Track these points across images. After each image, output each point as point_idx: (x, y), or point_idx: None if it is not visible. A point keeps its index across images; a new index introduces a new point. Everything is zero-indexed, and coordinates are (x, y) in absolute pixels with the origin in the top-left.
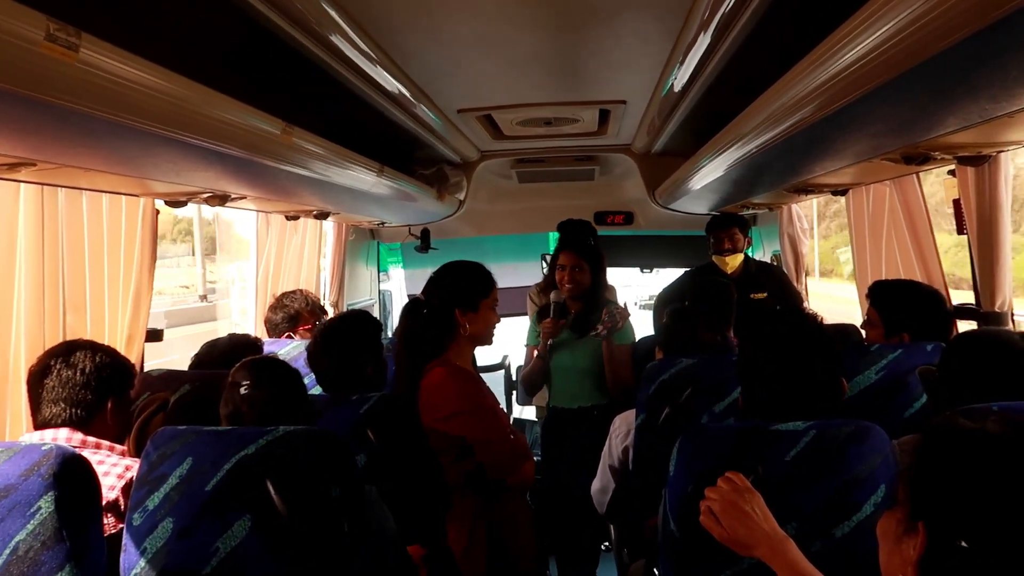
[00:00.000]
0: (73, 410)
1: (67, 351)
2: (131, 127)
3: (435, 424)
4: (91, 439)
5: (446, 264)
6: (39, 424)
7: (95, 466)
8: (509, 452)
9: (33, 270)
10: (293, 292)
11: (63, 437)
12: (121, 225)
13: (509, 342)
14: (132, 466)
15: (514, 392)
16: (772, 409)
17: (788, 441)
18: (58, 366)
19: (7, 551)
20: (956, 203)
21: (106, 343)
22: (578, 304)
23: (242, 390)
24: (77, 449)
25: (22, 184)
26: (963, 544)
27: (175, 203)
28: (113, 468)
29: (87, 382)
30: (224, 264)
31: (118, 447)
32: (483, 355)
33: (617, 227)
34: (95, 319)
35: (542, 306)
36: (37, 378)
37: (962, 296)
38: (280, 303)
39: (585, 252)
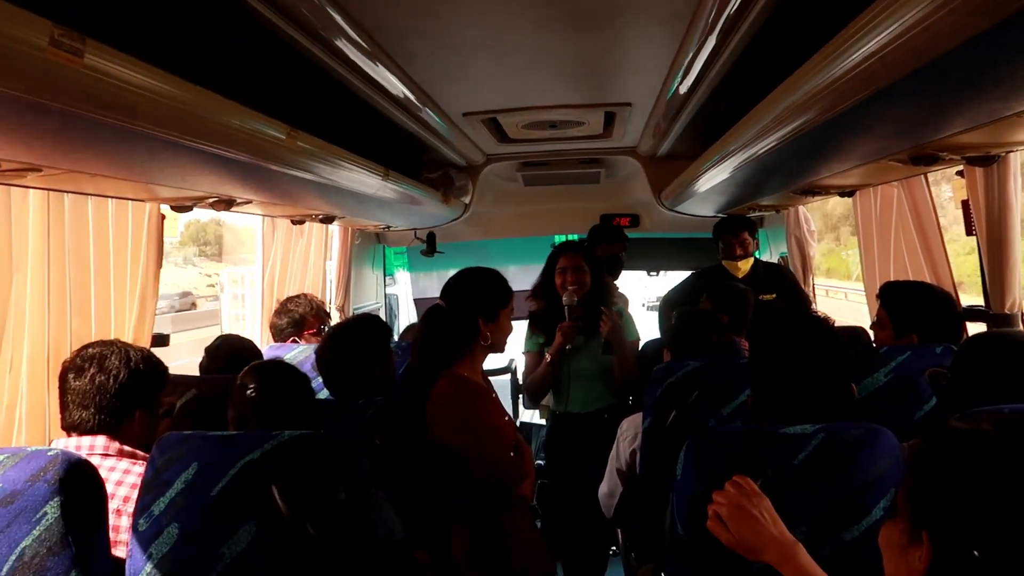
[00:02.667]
0: (101, 416)
1: (102, 354)
2: (137, 132)
3: (438, 434)
4: (127, 448)
5: (464, 272)
6: (66, 426)
7: (136, 478)
8: (506, 471)
9: (38, 275)
10: (298, 297)
11: (100, 445)
12: (127, 230)
13: (516, 346)
14: None
15: (520, 396)
16: (782, 412)
17: (796, 444)
18: (92, 369)
19: (13, 557)
20: (965, 204)
21: None
22: (579, 307)
23: (248, 393)
24: (113, 458)
25: (29, 190)
26: (975, 553)
27: (181, 208)
28: None
29: (120, 390)
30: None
31: None
32: (489, 359)
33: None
34: (100, 324)
35: (537, 311)
36: (70, 377)
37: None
38: (285, 308)
39: (584, 253)
